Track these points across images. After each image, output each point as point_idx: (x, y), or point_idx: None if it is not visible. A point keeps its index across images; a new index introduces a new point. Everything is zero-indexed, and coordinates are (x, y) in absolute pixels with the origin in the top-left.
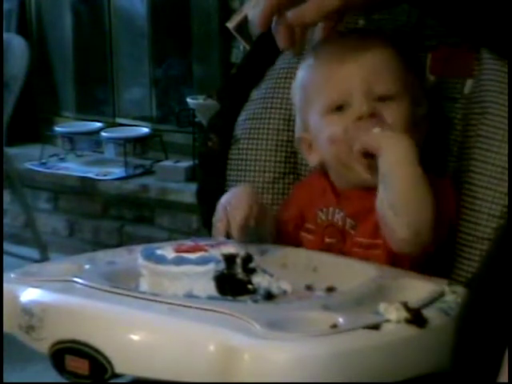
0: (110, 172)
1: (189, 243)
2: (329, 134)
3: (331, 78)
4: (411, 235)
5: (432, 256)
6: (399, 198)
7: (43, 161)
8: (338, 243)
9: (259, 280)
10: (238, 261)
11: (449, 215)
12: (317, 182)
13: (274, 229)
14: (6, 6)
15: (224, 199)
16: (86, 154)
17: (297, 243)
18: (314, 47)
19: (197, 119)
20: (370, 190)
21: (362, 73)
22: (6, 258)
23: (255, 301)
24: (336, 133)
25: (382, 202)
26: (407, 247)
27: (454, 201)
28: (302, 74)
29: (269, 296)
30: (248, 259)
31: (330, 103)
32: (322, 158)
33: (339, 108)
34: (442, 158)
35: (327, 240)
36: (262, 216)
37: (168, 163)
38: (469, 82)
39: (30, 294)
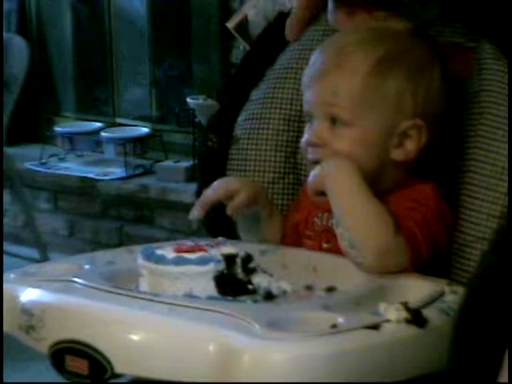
0: (109, 172)
1: (189, 243)
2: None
3: (308, 88)
4: (374, 263)
5: (430, 260)
6: (351, 234)
7: (43, 161)
8: (334, 248)
9: (259, 280)
10: (238, 261)
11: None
12: None
13: (280, 230)
14: (5, 6)
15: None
16: (85, 154)
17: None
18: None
19: (197, 119)
20: None
21: (325, 93)
22: (6, 258)
23: (255, 301)
24: (302, 145)
25: (339, 236)
26: (377, 271)
27: (448, 210)
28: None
29: (269, 296)
30: (248, 259)
31: (304, 110)
32: None
33: (310, 119)
34: (442, 158)
35: (324, 245)
36: (260, 208)
37: (168, 163)
38: (469, 82)
39: (29, 294)
